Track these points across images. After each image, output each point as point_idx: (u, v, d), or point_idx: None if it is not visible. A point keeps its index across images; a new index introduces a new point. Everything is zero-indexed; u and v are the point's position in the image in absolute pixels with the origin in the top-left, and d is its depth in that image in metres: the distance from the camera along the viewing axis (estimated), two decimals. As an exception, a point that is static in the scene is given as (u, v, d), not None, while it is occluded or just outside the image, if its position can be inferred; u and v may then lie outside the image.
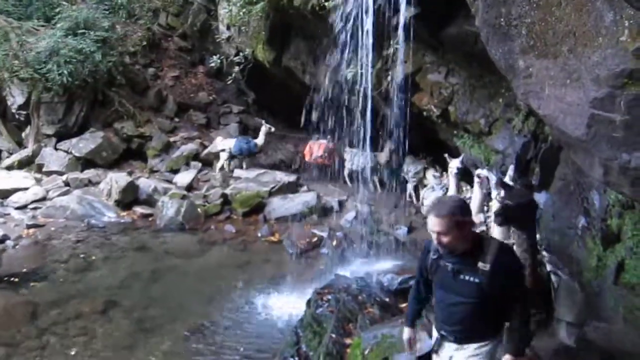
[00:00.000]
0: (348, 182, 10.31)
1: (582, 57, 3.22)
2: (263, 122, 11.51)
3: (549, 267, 4.01)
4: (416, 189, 9.53)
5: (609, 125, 3.20)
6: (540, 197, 6.60)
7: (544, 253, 4.50)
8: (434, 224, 2.98)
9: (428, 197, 8.13)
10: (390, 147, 9.29)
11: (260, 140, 11.36)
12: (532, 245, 3.49)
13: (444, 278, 3.15)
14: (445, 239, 2.97)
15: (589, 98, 3.22)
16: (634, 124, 3.09)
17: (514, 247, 3.61)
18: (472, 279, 3.01)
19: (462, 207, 3.03)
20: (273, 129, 11.36)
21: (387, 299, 5.94)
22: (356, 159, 9.92)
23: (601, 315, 4.97)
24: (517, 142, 6.89)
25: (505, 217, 3.39)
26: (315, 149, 10.44)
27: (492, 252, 2.98)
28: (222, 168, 11.32)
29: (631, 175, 3.34)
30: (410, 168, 9.43)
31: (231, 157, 11.32)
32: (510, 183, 5.55)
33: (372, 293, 5.96)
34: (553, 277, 3.95)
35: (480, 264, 2.98)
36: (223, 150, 11.30)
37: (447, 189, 7.28)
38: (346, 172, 10.32)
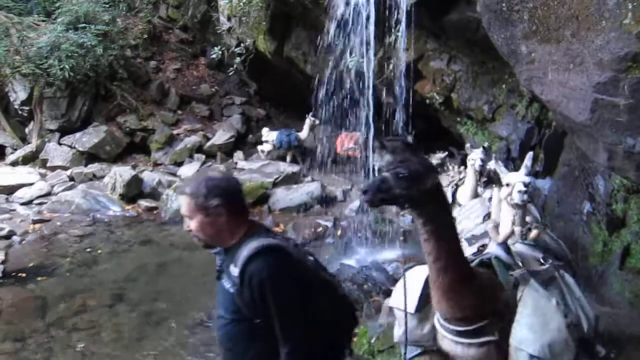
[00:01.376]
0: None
1: (585, 41, 3.19)
2: (308, 115, 10.95)
3: (516, 273, 2.81)
4: None
5: (612, 110, 3.18)
6: (544, 183, 6.58)
7: (518, 246, 3.24)
8: (180, 202, 2.36)
9: None
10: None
11: (303, 133, 11.11)
12: (441, 237, 2.45)
13: (216, 281, 2.45)
14: (191, 226, 2.31)
15: (592, 82, 3.20)
16: (638, 107, 3.06)
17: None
18: (227, 285, 2.30)
19: (215, 188, 2.26)
20: (317, 122, 10.84)
21: (392, 288, 5.94)
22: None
23: (607, 301, 4.97)
24: (520, 128, 6.87)
25: (377, 194, 2.29)
26: (347, 141, 10.30)
27: (247, 251, 2.20)
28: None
29: (636, 159, 3.32)
30: None
31: (275, 148, 11.27)
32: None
33: (377, 282, 5.97)
34: (521, 287, 2.77)
35: (231, 267, 2.25)
36: (266, 141, 11.25)
37: (456, 185, 6.43)
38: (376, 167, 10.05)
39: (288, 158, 11.24)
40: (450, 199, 6.31)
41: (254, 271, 2.15)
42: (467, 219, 4.87)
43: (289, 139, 11.04)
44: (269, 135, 11.25)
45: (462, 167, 6.79)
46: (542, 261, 3.07)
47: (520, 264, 2.87)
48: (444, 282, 2.51)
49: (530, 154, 3.75)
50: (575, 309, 2.82)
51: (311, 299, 2.28)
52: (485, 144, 6.22)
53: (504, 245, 3.02)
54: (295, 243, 2.50)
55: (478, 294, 2.61)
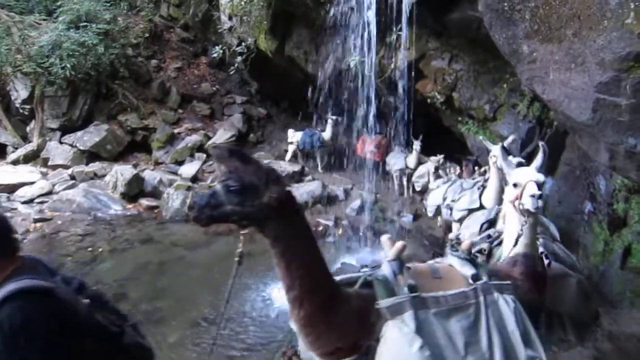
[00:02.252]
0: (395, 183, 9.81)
1: (586, 40, 3.19)
2: (328, 114, 10.63)
3: (383, 303, 2.19)
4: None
5: (614, 110, 3.18)
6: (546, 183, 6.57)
7: (449, 259, 2.57)
8: None
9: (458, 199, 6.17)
10: (417, 148, 8.91)
11: (327, 133, 10.85)
12: (293, 262, 2.10)
13: None
14: None
15: (594, 82, 3.20)
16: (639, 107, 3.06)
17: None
18: None
19: None
20: (339, 119, 10.50)
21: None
22: (393, 160, 9.60)
23: (608, 300, 4.97)
24: (522, 127, 6.88)
25: (204, 210, 2.01)
26: (368, 143, 10.17)
27: (1, 294, 2.02)
28: (290, 160, 11.18)
29: (637, 159, 3.32)
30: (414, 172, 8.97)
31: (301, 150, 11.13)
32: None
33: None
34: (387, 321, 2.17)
35: None
36: (291, 143, 11.13)
37: (482, 187, 5.90)
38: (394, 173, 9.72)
39: (319, 160, 11.12)
40: (477, 203, 5.79)
41: (4, 317, 1.94)
42: (466, 227, 4.38)
43: (312, 140, 10.90)
44: (294, 136, 11.17)
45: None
46: (470, 281, 2.39)
47: (406, 288, 2.20)
48: (300, 315, 2.13)
49: (542, 145, 3.03)
50: (487, 346, 2.21)
51: (78, 344, 2.11)
52: (508, 141, 5.64)
53: (397, 262, 2.32)
54: (80, 284, 2.34)
55: (344, 327, 2.19)
